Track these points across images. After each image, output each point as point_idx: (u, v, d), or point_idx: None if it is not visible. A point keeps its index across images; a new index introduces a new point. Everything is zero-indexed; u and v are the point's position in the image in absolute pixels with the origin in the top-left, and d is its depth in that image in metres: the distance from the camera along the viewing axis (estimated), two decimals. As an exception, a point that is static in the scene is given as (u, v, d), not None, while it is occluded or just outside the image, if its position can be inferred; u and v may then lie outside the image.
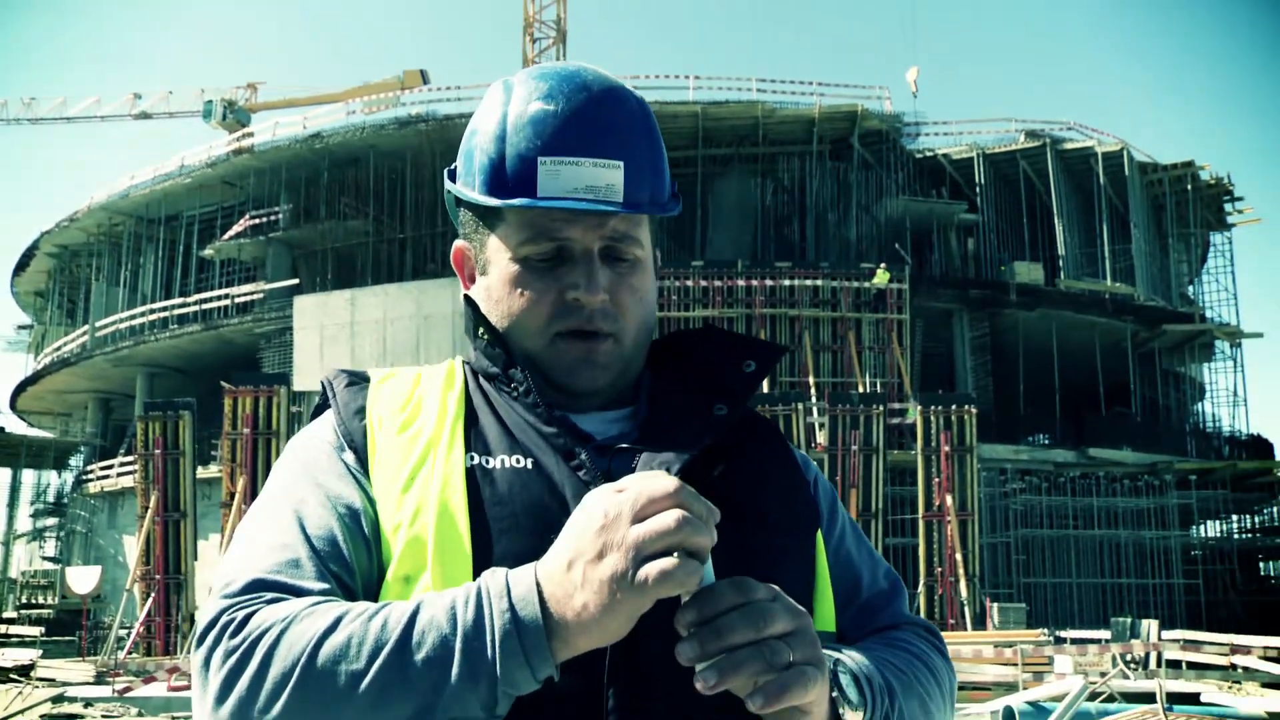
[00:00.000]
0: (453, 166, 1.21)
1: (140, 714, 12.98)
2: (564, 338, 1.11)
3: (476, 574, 0.95)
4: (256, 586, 0.94)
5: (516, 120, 1.11)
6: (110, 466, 32.82)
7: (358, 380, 1.15)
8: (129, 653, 18.90)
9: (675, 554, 0.81)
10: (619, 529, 0.82)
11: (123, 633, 20.41)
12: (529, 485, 1.03)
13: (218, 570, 1.00)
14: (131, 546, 24.78)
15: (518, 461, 1.05)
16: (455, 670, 0.83)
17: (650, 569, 0.80)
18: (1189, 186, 34.35)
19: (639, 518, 0.82)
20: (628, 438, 1.10)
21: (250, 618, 0.89)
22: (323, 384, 1.17)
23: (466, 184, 1.16)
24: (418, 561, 0.99)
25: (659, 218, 1.20)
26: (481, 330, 1.16)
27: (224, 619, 0.90)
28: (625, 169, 1.09)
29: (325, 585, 0.96)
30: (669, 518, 0.81)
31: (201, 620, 0.92)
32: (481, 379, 1.16)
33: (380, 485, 1.04)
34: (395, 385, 1.14)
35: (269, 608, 0.91)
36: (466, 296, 1.20)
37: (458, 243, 1.23)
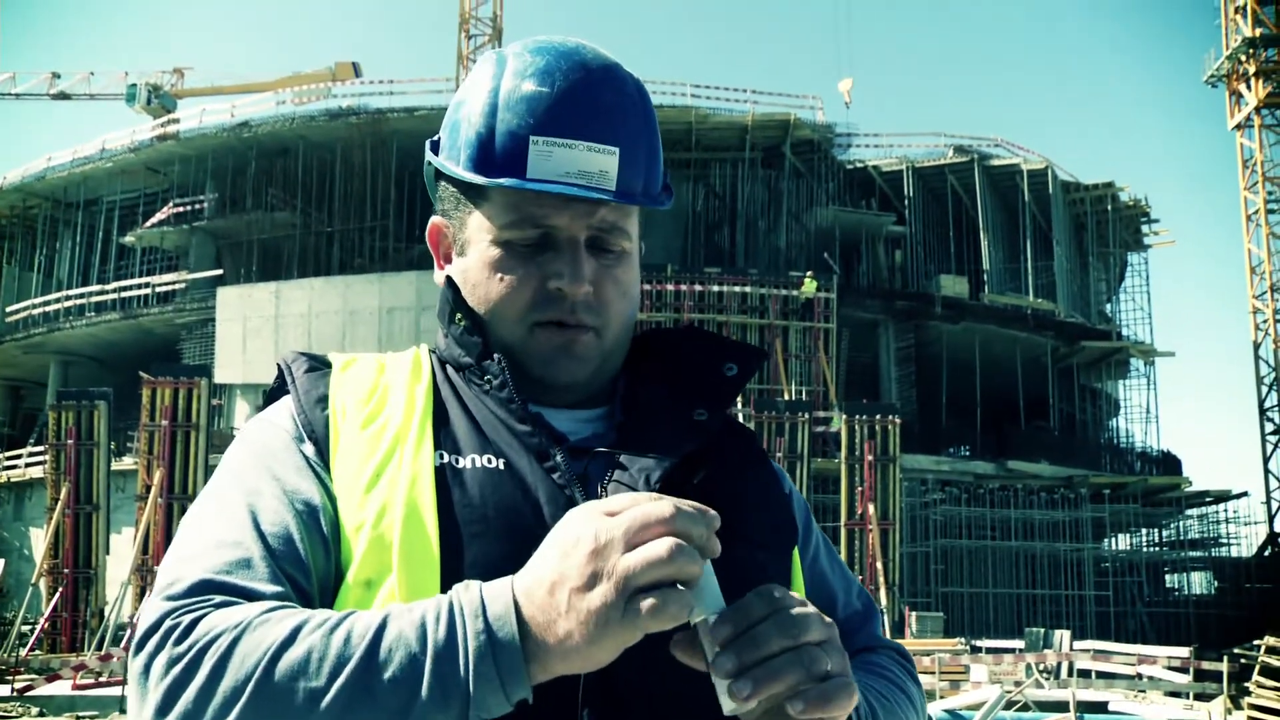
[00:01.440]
0: (435, 138, 1.14)
1: (42, 713, 12.58)
2: (543, 328, 1.05)
3: (444, 579, 0.90)
4: (204, 588, 0.87)
5: (509, 95, 1.04)
6: (18, 456, 31.81)
7: (319, 365, 1.08)
8: (31, 650, 18.34)
9: (669, 587, 0.76)
10: (610, 556, 0.76)
11: (25, 629, 19.78)
12: (501, 487, 0.97)
13: (162, 566, 0.92)
14: (39, 539, 24.08)
15: (489, 461, 0.99)
16: (424, 691, 0.77)
17: (643, 605, 0.75)
18: (1109, 207, 35.31)
19: (631, 545, 0.76)
20: (602, 439, 1.05)
21: (197, 623, 0.82)
22: (280, 366, 1.09)
23: (450, 157, 1.09)
24: (382, 565, 0.92)
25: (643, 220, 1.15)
26: (459, 316, 1.09)
27: (167, 623, 0.83)
28: (620, 155, 1.04)
29: (279, 588, 0.89)
30: (661, 547, 0.75)
31: (142, 623, 0.85)
32: (450, 370, 1.10)
33: (342, 481, 0.97)
34: (359, 372, 1.07)
35: (218, 612, 0.83)
36: (448, 278, 1.13)
37: (434, 219, 1.16)
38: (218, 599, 0.86)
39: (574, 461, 1.01)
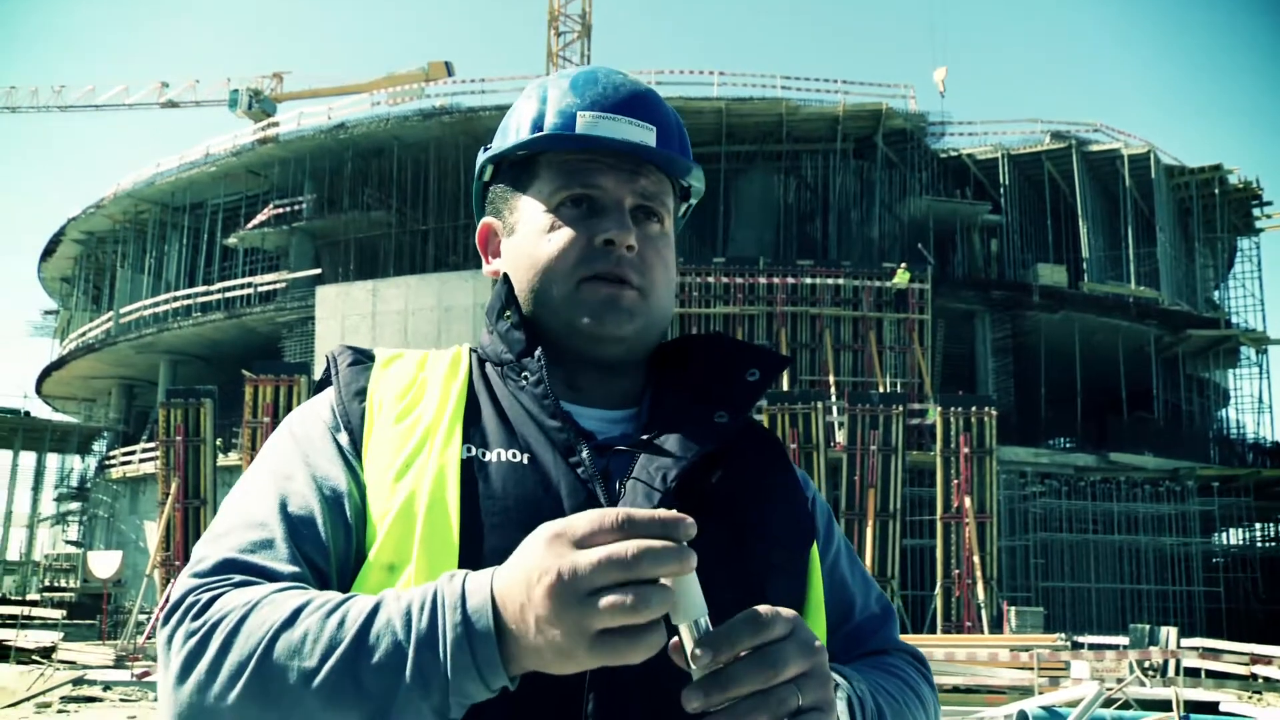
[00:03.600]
0: (487, 145, 1.24)
1: (156, 699, 13.07)
2: (590, 282, 1.12)
3: (463, 567, 0.93)
4: (226, 567, 0.94)
5: (556, 92, 1.18)
6: (133, 452, 32.99)
7: (362, 359, 1.15)
8: (148, 637, 19.03)
9: (625, 589, 0.75)
10: (569, 600, 0.76)
11: (142, 617, 20.54)
12: (523, 480, 1.02)
13: (198, 541, 1.00)
14: (152, 532, 24.95)
15: (514, 456, 1.04)
16: (407, 676, 0.81)
17: (606, 646, 0.76)
18: (1216, 190, 34.02)
19: (581, 545, 0.78)
20: (628, 439, 1.10)
21: (215, 600, 0.89)
22: (327, 359, 1.16)
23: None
24: (403, 551, 0.98)
25: (679, 213, 1.24)
26: (509, 311, 1.16)
27: (189, 599, 0.90)
28: (657, 133, 1.16)
29: (296, 569, 0.95)
30: (625, 597, 0.75)
31: (172, 597, 0.92)
32: (489, 367, 1.16)
33: (372, 471, 1.03)
34: (400, 368, 1.14)
35: (233, 592, 0.90)
36: (504, 275, 1.20)
37: (483, 221, 1.25)
38: (237, 578, 0.93)
39: (597, 458, 1.06)
